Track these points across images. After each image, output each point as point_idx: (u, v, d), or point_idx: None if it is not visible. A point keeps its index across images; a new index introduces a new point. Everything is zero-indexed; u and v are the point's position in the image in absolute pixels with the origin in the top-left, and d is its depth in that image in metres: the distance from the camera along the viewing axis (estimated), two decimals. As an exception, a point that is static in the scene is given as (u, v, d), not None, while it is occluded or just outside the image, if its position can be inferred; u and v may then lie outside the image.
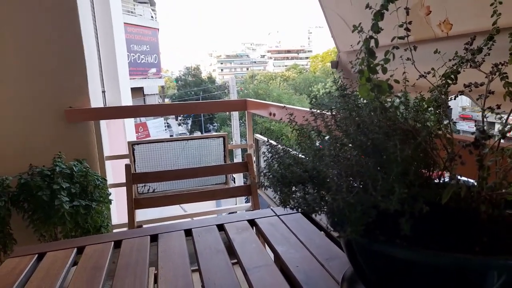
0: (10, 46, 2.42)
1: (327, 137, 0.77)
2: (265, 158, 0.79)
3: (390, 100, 0.59)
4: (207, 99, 32.71)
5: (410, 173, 0.54)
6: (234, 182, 3.00)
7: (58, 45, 2.48)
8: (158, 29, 18.76)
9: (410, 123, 0.57)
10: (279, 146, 0.79)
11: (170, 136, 23.79)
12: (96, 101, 2.76)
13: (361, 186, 0.57)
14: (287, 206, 0.79)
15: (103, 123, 2.77)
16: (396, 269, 0.59)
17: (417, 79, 0.58)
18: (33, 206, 2.27)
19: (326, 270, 0.88)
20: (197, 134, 29.76)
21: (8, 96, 2.46)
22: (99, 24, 3.76)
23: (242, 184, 3.52)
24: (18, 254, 1.04)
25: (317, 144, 0.79)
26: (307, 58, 65.66)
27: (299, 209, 0.66)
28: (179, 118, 33.43)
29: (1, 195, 2.22)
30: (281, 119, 2.62)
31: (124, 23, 5.34)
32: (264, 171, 0.70)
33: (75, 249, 1.05)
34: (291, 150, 0.79)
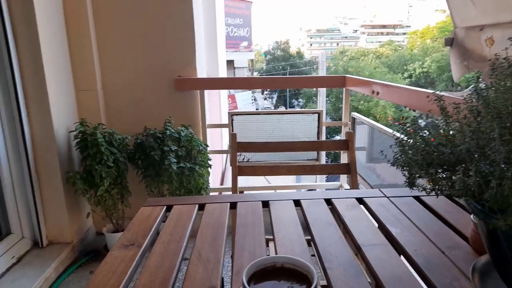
0: (132, 22, 2.67)
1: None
2: (395, 137, 0.77)
3: None
4: (294, 75, 32.47)
5: None
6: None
7: (173, 20, 2.67)
8: (252, 2, 18.93)
9: None
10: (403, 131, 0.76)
11: (256, 109, 24.32)
12: (200, 72, 2.93)
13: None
14: (414, 188, 0.77)
15: (206, 92, 2.94)
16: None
17: None
18: (146, 164, 2.54)
19: (449, 258, 0.84)
20: (281, 109, 29.91)
21: (129, 66, 2.75)
22: (204, -2, 3.93)
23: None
24: (150, 204, 1.18)
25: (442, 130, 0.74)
26: (404, 34, 60.59)
27: (439, 192, 0.63)
28: (265, 92, 33.86)
29: (122, 152, 2.53)
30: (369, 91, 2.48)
31: (221, -4, 5.49)
32: (405, 150, 0.68)
33: (197, 205, 1.16)
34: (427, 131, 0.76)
